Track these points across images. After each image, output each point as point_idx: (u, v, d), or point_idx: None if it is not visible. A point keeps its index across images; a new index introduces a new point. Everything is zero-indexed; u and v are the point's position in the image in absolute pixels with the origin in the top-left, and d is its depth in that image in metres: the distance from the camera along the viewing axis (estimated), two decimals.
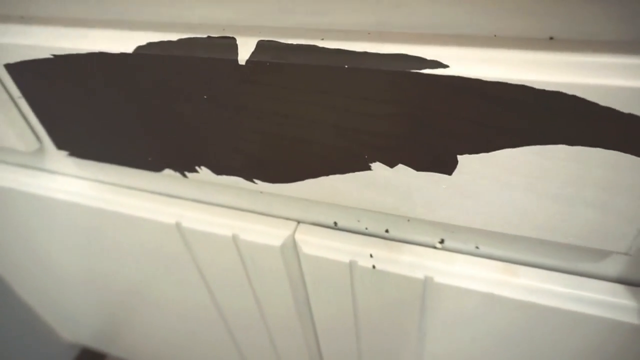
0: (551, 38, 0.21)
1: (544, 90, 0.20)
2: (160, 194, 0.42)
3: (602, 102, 0.20)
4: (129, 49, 0.28)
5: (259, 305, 0.46)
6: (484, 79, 0.21)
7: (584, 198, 0.23)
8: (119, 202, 0.42)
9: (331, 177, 0.29)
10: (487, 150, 0.24)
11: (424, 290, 0.34)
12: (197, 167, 0.34)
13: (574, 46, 0.20)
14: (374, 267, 0.34)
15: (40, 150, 0.44)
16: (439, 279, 0.32)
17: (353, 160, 0.27)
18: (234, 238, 0.38)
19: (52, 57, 0.31)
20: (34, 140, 0.42)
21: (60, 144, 0.38)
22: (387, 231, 0.34)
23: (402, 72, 0.22)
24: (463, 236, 0.32)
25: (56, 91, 0.33)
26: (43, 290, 0.71)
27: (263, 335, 0.51)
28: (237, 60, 0.25)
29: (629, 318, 0.28)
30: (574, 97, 0.20)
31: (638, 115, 0.20)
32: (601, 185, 0.22)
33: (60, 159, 0.44)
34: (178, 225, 0.40)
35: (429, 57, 0.22)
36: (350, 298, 0.38)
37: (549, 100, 0.20)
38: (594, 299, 0.29)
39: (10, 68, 0.33)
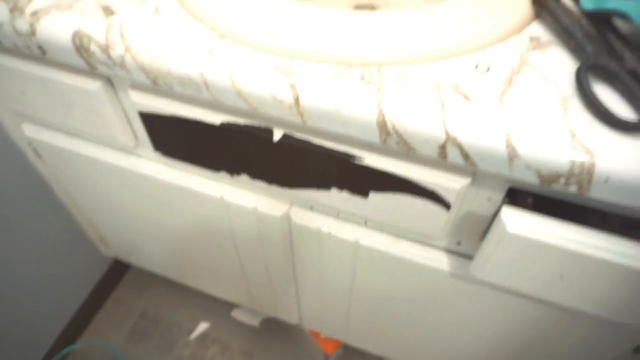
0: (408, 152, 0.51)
1: (400, 176, 0.50)
2: (213, 179, 0.71)
3: (423, 183, 0.50)
4: (217, 122, 0.56)
5: (261, 243, 0.77)
6: (377, 167, 0.51)
7: (416, 214, 0.54)
8: (184, 179, 0.71)
9: (310, 189, 0.59)
10: (379, 191, 0.54)
11: (355, 249, 0.65)
12: (240, 174, 0.63)
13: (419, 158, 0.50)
14: (329, 233, 0.65)
15: (136, 145, 0.72)
16: (361, 242, 0.64)
17: (321, 185, 0.57)
18: (254, 210, 0.68)
19: (170, 115, 0.58)
20: (134, 139, 0.70)
21: (157, 147, 0.67)
22: (338, 214, 0.65)
23: (343, 159, 0.52)
24: (371, 223, 0.63)
25: (166, 127, 0.61)
26: (96, 221, 1.01)
27: (260, 259, 0.83)
28: (272, 140, 0.54)
29: (443, 267, 0.61)
30: (411, 181, 0.50)
31: (429, 187, 0.50)
32: (414, 211, 0.54)
33: (148, 151, 0.72)
34: (221, 198, 0.70)
35: (356, 154, 0.51)
36: (316, 245, 0.70)
37: (401, 181, 0.51)
38: (431, 257, 0.61)
39: (142, 115, 0.61)
